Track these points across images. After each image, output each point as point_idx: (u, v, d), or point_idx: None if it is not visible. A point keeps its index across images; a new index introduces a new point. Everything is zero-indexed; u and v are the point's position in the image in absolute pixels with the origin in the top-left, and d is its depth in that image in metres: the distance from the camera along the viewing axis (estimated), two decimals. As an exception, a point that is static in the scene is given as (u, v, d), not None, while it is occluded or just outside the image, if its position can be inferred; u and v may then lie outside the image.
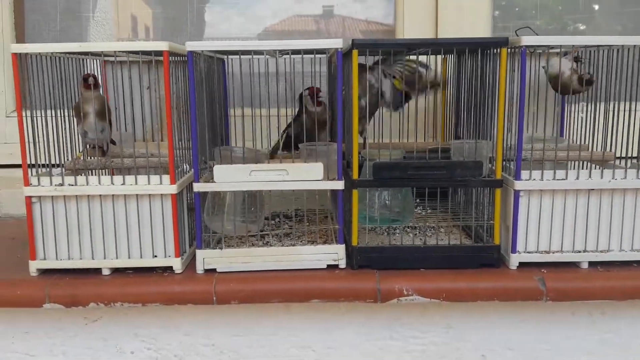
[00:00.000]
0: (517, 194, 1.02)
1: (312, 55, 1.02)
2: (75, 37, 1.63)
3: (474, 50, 1.11)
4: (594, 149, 1.09)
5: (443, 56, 1.30)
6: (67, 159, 1.08)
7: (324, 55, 1.23)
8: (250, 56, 1.08)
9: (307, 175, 1.02)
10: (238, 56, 1.14)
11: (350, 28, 1.64)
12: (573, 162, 1.10)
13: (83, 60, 1.15)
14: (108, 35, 1.64)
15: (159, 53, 0.99)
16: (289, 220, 1.28)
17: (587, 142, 1.12)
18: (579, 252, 1.04)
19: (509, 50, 0.99)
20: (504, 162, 1.06)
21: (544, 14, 1.61)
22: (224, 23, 1.63)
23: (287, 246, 1.06)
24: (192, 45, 0.98)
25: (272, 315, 1.08)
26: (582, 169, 1.05)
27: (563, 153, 1.09)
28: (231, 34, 1.62)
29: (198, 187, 1.02)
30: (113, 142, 1.18)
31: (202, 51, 1.03)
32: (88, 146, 1.16)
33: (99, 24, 1.64)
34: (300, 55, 1.12)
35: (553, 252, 1.04)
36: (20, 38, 1.57)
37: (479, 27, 1.47)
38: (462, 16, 1.47)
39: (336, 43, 0.98)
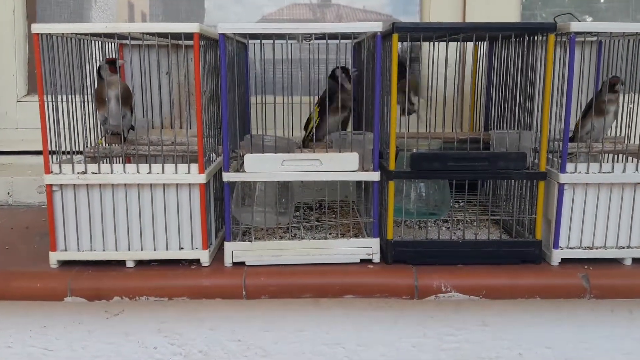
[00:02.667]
0: (561, 187, 0.97)
1: (337, 41, 0.98)
2: (86, 21, 1.58)
3: (509, 37, 1.07)
4: (630, 142, 1.05)
5: (475, 43, 1.25)
6: (86, 147, 1.03)
7: (349, 41, 1.18)
8: (272, 41, 1.03)
9: (341, 165, 0.97)
10: (259, 41, 1.09)
11: (347, 17, 1.62)
12: (607, 155, 1.06)
13: (100, 43, 1.10)
14: (110, 21, 1.59)
15: (188, 36, 0.94)
16: (313, 212, 1.24)
17: (621, 135, 1.08)
18: (623, 248, 1.00)
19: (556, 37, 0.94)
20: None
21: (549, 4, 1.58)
22: (221, 11, 1.60)
23: (319, 239, 1.02)
24: (223, 28, 0.93)
25: (301, 311, 1.04)
26: (617, 162, 1.01)
27: (599, 146, 1.05)
28: (228, 22, 1.58)
29: (228, 176, 0.97)
30: (132, 129, 1.13)
31: (234, 34, 0.98)
32: (108, 133, 1.12)
33: (100, 10, 1.59)
34: (323, 41, 1.08)
35: (596, 248, 1.00)
36: (31, 20, 1.52)
37: (508, 13, 1.42)
38: (490, 2, 1.42)
39: (375, 26, 0.93)
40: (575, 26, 0.93)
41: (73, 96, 0.99)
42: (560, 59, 0.97)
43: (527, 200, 1.01)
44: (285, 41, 1.05)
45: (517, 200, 1.06)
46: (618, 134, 1.07)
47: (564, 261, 1.00)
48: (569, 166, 0.97)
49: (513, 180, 1.08)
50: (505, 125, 1.12)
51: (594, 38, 1.13)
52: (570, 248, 1.00)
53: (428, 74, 1.00)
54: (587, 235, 1.00)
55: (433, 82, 1.01)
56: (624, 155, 1.07)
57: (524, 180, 1.02)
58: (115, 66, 1.03)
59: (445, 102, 1.11)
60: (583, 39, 1.08)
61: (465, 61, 1.35)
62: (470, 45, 1.32)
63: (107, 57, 1.12)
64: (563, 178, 0.97)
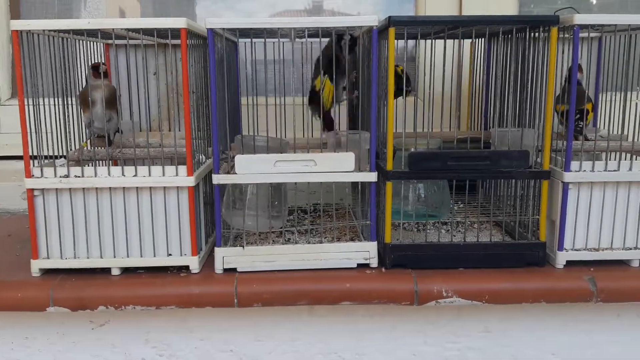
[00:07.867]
0: (565, 186, 0.94)
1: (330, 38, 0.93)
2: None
3: (509, 32, 1.03)
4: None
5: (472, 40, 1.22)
6: (70, 150, 0.99)
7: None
8: (264, 40, 0.99)
9: (336, 166, 0.93)
10: (249, 40, 1.06)
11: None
12: (610, 154, 1.02)
13: (84, 43, 1.06)
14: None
15: (174, 33, 0.90)
16: (307, 216, 1.19)
17: (625, 133, 1.04)
18: (630, 249, 0.97)
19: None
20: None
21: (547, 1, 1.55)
22: (212, 18, 1.56)
23: (314, 244, 0.97)
24: (212, 23, 0.89)
25: (295, 319, 0.99)
26: (623, 160, 0.97)
27: (604, 143, 1.02)
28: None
29: (218, 179, 0.93)
30: (119, 131, 1.09)
31: (224, 29, 0.93)
32: (93, 136, 1.07)
33: (90, 15, 1.55)
34: (315, 39, 1.04)
35: (602, 250, 0.96)
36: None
37: (506, 10, 1.38)
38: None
39: (371, 20, 0.89)
40: (579, 18, 0.89)
41: (56, 98, 0.95)
42: (561, 53, 0.93)
43: (530, 200, 0.98)
44: (276, 40, 1.01)
45: (519, 201, 1.02)
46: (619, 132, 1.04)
47: (569, 263, 0.96)
48: (574, 164, 0.93)
49: (514, 181, 1.04)
50: (504, 123, 1.08)
51: (597, 34, 1.09)
52: (576, 250, 0.96)
53: (423, 72, 0.96)
54: (592, 236, 0.96)
55: (429, 81, 0.97)
56: (631, 154, 1.03)
57: (527, 180, 0.98)
58: (98, 71, 0.99)
59: (443, 101, 1.07)
60: (587, 34, 1.04)
61: (462, 59, 1.31)
62: (466, 43, 1.28)
63: (92, 58, 1.08)
64: (567, 177, 0.93)
